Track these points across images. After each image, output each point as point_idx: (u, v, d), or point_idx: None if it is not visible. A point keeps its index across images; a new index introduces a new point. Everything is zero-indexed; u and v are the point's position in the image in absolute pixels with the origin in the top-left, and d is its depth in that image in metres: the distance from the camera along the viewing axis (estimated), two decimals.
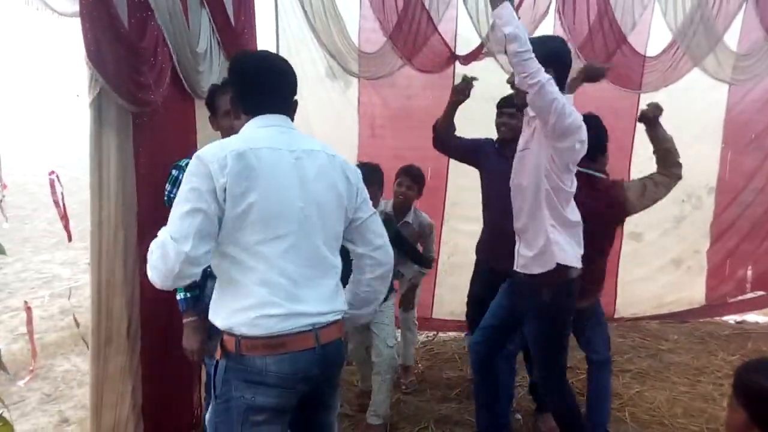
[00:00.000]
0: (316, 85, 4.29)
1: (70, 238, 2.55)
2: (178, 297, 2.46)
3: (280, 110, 1.89)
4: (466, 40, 4.24)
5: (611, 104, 4.44)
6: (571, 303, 2.62)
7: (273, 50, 4.16)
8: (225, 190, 1.68)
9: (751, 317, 5.26)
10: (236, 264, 1.75)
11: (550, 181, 2.46)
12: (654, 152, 2.95)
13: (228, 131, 2.48)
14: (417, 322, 4.12)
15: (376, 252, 2.01)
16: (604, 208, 2.81)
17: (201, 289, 2.46)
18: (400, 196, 3.59)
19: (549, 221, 2.49)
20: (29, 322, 3.67)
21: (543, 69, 2.31)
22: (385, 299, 3.38)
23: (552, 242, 2.48)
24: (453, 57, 4.24)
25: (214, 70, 3.10)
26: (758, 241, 5.11)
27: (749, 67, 4.60)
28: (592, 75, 2.77)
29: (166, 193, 2.48)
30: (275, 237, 1.76)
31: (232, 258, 1.75)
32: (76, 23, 2.08)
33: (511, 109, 3.13)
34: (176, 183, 2.44)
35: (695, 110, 4.65)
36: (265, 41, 4.00)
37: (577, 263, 2.54)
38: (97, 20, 2.14)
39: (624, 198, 2.83)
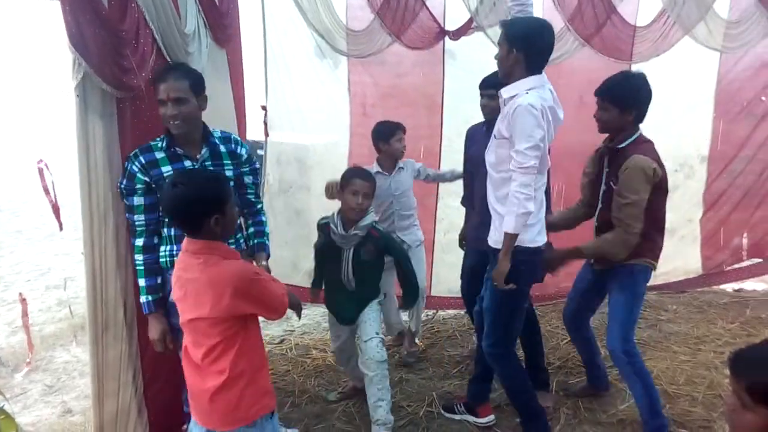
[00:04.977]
0: (304, 64, 4.24)
1: (61, 227, 2.51)
2: (142, 300, 2.51)
3: None
4: (455, 15, 4.19)
5: (601, 75, 4.37)
6: None
7: (260, 30, 4.12)
8: None
9: (749, 285, 5.28)
10: None
11: None
12: None
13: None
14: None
15: None
16: None
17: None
18: (403, 150, 3.75)
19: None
20: (24, 314, 3.66)
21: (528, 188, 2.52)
22: (373, 299, 3.21)
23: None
24: (442, 32, 4.20)
25: (203, 52, 3.05)
26: (752, 209, 5.10)
27: (740, 34, 4.55)
28: None
29: (118, 183, 2.47)
30: None
31: None
32: (56, 7, 2.03)
33: (491, 90, 3.13)
34: (126, 174, 2.45)
35: (687, 80, 4.62)
36: (251, 21, 3.94)
37: None
38: (77, 3, 2.10)
39: None
